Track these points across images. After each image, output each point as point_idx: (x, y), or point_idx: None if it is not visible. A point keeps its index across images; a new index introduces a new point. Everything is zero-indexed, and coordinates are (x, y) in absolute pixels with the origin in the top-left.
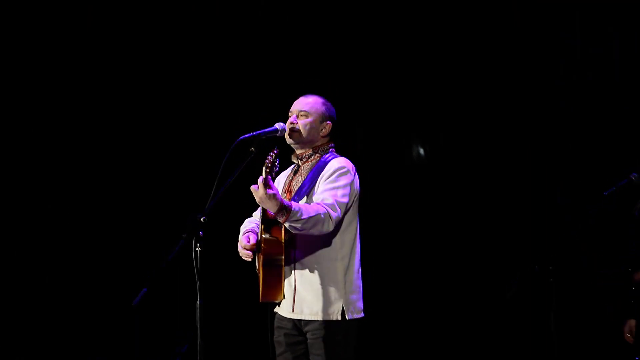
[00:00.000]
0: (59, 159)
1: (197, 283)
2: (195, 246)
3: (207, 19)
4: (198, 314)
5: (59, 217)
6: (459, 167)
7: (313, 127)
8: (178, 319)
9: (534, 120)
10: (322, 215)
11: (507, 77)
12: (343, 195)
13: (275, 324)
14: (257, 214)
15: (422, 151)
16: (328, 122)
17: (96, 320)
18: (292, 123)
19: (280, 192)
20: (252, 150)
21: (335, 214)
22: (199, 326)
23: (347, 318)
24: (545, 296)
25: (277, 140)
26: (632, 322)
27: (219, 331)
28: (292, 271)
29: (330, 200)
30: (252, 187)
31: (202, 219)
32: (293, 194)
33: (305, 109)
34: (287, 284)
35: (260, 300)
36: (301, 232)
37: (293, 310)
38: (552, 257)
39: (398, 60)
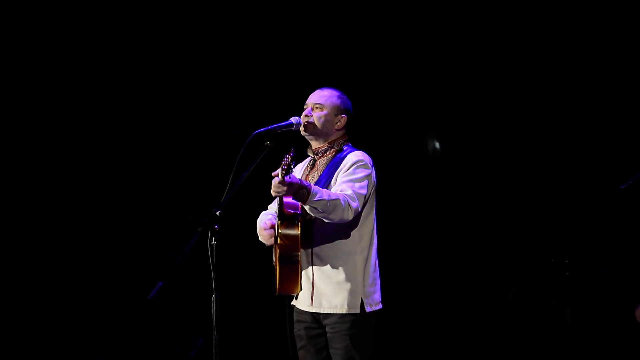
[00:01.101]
0: (62, 152)
1: (213, 276)
2: (211, 240)
3: (208, 18)
4: (214, 308)
5: (59, 215)
6: (459, 166)
7: (328, 120)
8: (178, 317)
9: (534, 120)
10: (342, 202)
11: (507, 78)
12: (361, 187)
13: (295, 318)
14: (272, 207)
15: (437, 145)
16: (343, 115)
17: (97, 319)
18: (306, 116)
19: None
20: (267, 144)
21: (354, 204)
22: (214, 319)
23: (366, 311)
24: (551, 291)
25: (292, 134)
26: None
27: (234, 325)
28: (310, 265)
29: (349, 191)
30: (273, 185)
31: (217, 213)
32: None
33: (320, 101)
34: (305, 278)
35: (276, 293)
36: (322, 216)
37: (312, 304)
38: (564, 251)
39: (396, 60)
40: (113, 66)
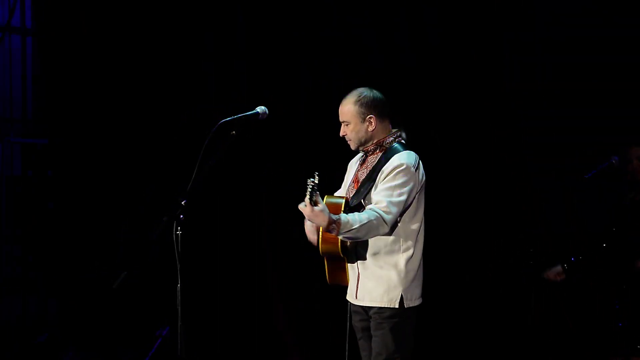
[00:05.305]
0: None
1: (178, 266)
2: (176, 229)
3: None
4: (179, 297)
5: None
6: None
7: (359, 131)
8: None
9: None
10: (374, 221)
11: (504, 77)
12: (399, 194)
13: (352, 309)
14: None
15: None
16: (370, 116)
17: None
18: (343, 134)
19: (350, 181)
20: (233, 134)
21: (389, 216)
22: (179, 309)
23: (405, 306)
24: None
25: (260, 123)
26: (558, 268)
27: (199, 314)
28: (356, 260)
29: (383, 203)
30: (299, 206)
31: (182, 202)
32: (359, 184)
33: (343, 118)
34: (352, 272)
35: (329, 283)
36: (357, 240)
37: (357, 297)
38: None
39: (396, 62)
40: (107, 56)
